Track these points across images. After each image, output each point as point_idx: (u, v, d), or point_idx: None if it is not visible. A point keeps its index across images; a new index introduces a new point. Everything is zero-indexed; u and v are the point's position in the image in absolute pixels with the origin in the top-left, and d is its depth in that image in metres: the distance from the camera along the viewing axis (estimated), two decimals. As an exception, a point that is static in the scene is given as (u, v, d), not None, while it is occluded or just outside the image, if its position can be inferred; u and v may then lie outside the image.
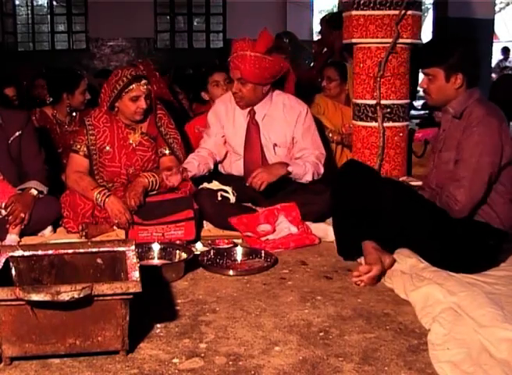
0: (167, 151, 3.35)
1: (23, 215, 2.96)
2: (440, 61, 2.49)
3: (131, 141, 3.30)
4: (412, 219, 2.49)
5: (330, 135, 3.99)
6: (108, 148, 3.28)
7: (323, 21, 5.57)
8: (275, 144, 3.39)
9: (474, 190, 2.41)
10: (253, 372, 1.79)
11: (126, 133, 3.30)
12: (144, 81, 3.19)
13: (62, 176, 3.67)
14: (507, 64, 10.94)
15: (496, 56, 10.40)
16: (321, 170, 3.35)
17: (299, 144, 3.39)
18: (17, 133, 3.13)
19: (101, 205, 3.09)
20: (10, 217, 2.96)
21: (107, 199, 3.08)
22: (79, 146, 3.29)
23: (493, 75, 9.62)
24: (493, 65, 9.37)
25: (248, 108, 3.39)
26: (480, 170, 2.39)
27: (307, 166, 3.29)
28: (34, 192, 3.04)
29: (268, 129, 3.39)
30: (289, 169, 3.24)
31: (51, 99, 4.03)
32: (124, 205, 3.05)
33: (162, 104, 3.55)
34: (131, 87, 3.15)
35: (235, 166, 3.47)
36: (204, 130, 3.58)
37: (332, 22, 5.15)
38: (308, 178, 3.30)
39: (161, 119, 3.37)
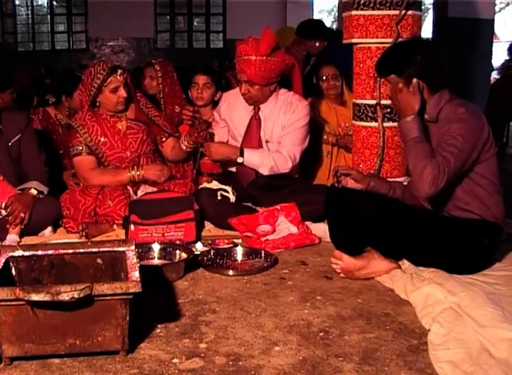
0: (164, 138, 3.55)
1: (22, 215, 2.96)
2: (396, 70, 2.51)
3: (120, 127, 3.41)
4: (402, 230, 2.48)
5: (325, 137, 3.98)
6: (102, 138, 3.38)
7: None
8: (266, 141, 3.42)
9: (449, 181, 2.38)
10: (253, 372, 1.79)
11: (113, 122, 3.42)
12: (119, 71, 3.30)
13: (63, 177, 3.68)
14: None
15: (499, 56, 10.31)
16: (286, 167, 3.34)
17: (283, 136, 3.40)
18: (17, 136, 3.13)
19: (139, 178, 3.32)
20: (10, 217, 2.96)
21: (142, 170, 3.32)
22: (79, 148, 3.36)
23: (497, 76, 9.54)
24: (496, 65, 9.27)
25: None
26: (456, 166, 2.37)
27: (265, 160, 3.32)
28: (34, 192, 3.04)
29: (268, 126, 3.43)
30: (239, 160, 3.31)
31: (54, 100, 4.04)
32: (157, 164, 3.42)
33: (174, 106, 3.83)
34: (109, 79, 3.27)
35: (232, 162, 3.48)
36: None
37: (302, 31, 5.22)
38: (263, 172, 3.34)
39: (139, 102, 3.51)
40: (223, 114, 3.53)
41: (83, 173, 3.37)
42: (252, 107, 3.46)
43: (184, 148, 3.46)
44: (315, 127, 3.80)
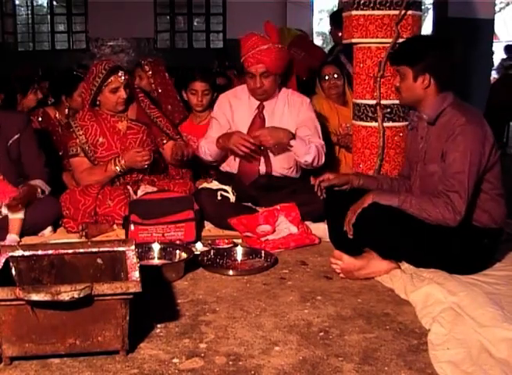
0: (165, 141, 3.53)
1: (19, 203, 2.95)
2: (409, 61, 2.52)
3: (120, 128, 3.41)
4: (403, 231, 2.48)
5: None
6: (101, 139, 3.37)
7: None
8: None
9: (468, 199, 2.40)
10: (253, 372, 1.79)
11: (113, 122, 3.42)
12: (120, 72, 3.30)
13: (63, 177, 3.68)
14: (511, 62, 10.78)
15: (499, 55, 10.33)
16: (323, 160, 3.37)
17: (303, 130, 3.39)
18: (16, 136, 3.13)
19: (123, 168, 3.27)
20: (10, 202, 2.95)
21: (122, 160, 3.26)
22: (75, 149, 3.38)
23: (496, 75, 9.55)
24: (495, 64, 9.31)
25: (257, 103, 3.45)
26: (470, 180, 2.38)
27: (311, 147, 3.31)
28: (39, 189, 3.06)
29: (274, 123, 3.42)
30: (292, 142, 3.27)
31: (53, 100, 4.04)
32: (135, 149, 3.29)
33: (167, 104, 3.82)
34: (110, 79, 3.28)
35: (234, 162, 3.46)
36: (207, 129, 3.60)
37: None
38: (308, 159, 3.30)
39: (143, 102, 3.51)
40: (227, 114, 3.48)
41: (75, 174, 3.41)
42: (255, 106, 3.44)
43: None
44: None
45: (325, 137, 3.57)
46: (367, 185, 2.79)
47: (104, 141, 3.37)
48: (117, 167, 3.28)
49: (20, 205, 2.97)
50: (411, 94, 2.57)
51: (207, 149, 3.41)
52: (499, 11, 18.45)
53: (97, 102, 3.37)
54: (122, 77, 3.29)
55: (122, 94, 3.29)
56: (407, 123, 3.48)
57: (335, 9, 11.98)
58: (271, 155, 3.40)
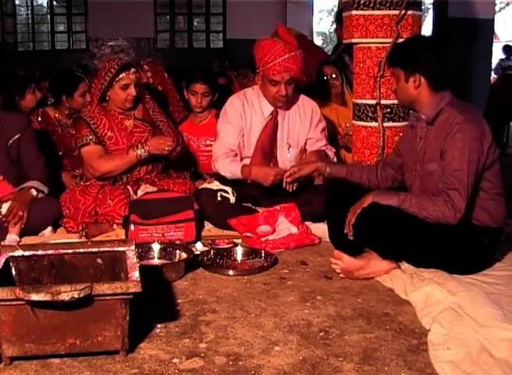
0: None
1: (21, 213, 2.95)
2: (400, 63, 2.56)
3: (127, 125, 3.43)
4: (403, 231, 2.47)
5: None
6: (109, 133, 3.39)
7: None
8: (289, 146, 3.41)
9: (468, 196, 2.40)
10: (253, 372, 1.79)
11: (121, 119, 3.44)
12: (132, 69, 3.33)
13: (62, 177, 3.68)
14: (511, 63, 10.76)
15: (496, 55, 10.33)
16: None
17: (319, 143, 3.46)
18: (16, 136, 3.13)
19: (147, 153, 3.27)
20: (9, 216, 2.95)
21: (146, 146, 3.26)
22: (86, 138, 3.34)
23: (494, 75, 9.54)
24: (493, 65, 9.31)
25: (271, 109, 3.39)
26: (470, 178, 2.38)
27: (334, 156, 3.49)
28: (34, 193, 3.04)
29: (286, 130, 3.42)
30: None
31: (53, 100, 4.03)
32: (160, 136, 3.35)
33: (168, 104, 3.88)
34: (121, 75, 3.30)
35: None
36: (220, 127, 3.47)
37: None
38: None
39: (148, 103, 3.54)
40: (241, 119, 3.39)
41: (91, 162, 3.32)
42: (268, 112, 3.37)
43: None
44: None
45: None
46: (335, 173, 2.87)
47: (113, 135, 3.38)
48: (141, 150, 3.25)
49: (18, 217, 2.97)
50: (405, 95, 2.59)
51: (228, 171, 3.30)
52: (499, 11, 18.45)
53: (107, 98, 3.38)
54: (134, 75, 3.32)
55: (132, 91, 3.31)
56: (407, 123, 3.48)
57: (335, 9, 11.99)
58: (280, 162, 3.41)
